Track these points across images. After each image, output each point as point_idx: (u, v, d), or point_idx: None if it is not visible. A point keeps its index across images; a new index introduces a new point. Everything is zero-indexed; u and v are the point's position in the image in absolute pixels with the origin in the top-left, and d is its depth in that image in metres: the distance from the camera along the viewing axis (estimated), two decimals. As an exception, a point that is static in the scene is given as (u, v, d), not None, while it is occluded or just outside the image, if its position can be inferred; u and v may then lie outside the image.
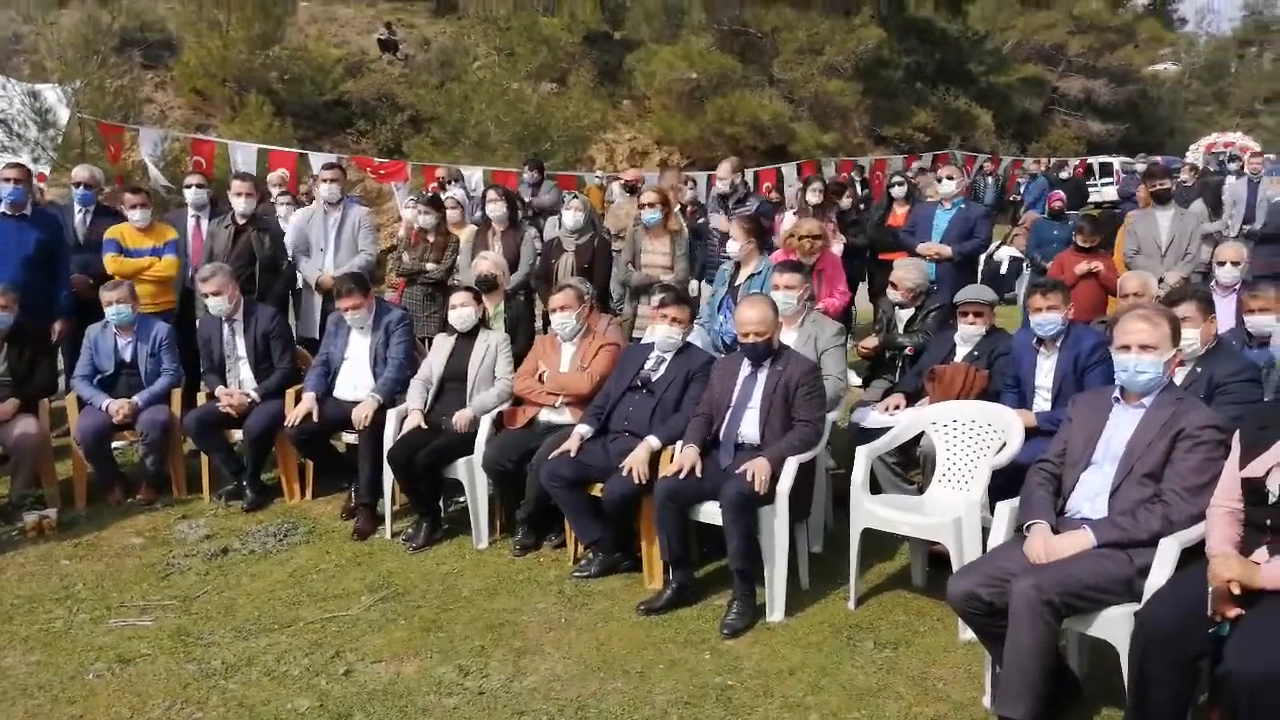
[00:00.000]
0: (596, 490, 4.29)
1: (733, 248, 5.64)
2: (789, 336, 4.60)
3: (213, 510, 5.27)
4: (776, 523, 3.90)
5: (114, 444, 5.54)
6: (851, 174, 18.02)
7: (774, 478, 3.88)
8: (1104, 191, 23.44)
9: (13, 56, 16.26)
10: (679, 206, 7.79)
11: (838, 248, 7.49)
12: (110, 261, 6.07)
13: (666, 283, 5.96)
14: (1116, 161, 25.54)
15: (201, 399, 5.54)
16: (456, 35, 20.58)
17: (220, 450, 5.37)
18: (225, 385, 5.47)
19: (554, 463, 4.34)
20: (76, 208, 6.46)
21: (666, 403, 4.41)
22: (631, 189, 8.86)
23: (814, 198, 8.05)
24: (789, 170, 17.64)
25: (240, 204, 6.30)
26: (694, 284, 7.08)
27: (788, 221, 8.47)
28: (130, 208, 6.26)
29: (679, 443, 4.18)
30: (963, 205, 7.18)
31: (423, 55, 21.12)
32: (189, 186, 6.68)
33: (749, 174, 16.70)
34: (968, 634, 3.46)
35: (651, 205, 6.36)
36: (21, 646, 3.77)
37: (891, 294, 5.55)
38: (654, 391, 4.46)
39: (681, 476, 3.97)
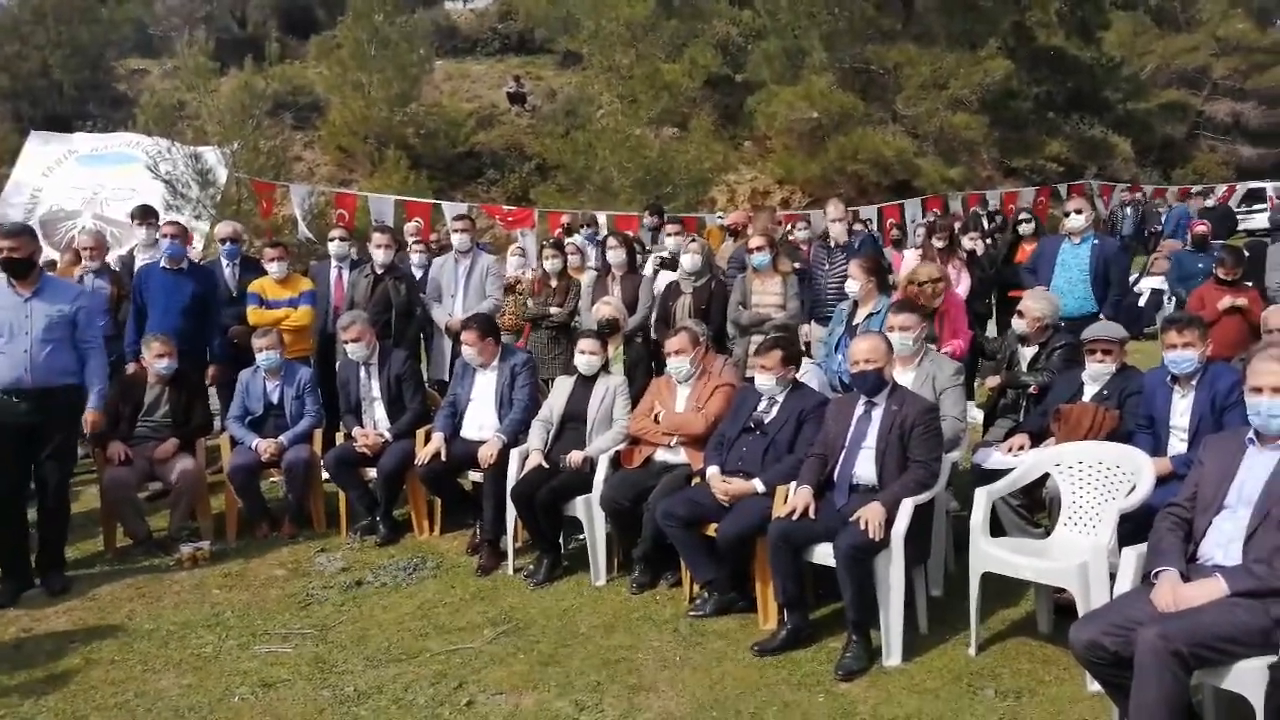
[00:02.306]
0: (711, 530, 4.34)
1: (851, 287, 5.64)
2: (906, 377, 4.56)
3: (349, 544, 5.56)
4: (892, 568, 3.85)
5: (262, 480, 5.93)
6: (976, 208, 17.58)
7: (889, 521, 3.84)
8: (1255, 219, 22.04)
9: (177, 122, 17.64)
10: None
11: (964, 287, 7.33)
12: (251, 313, 6.54)
13: (779, 321, 6.00)
14: (1269, 186, 23.98)
15: (340, 439, 5.87)
16: (581, 85, 21.23)
17: (356, 487, 5.67)
18: (361, 426, 5.79)
19: (669, 502, 4.41)
20: (224, 262, 6.98)
21: (779, 443, 4.43)
22: (734, 232, 8.94)
23: (940, 243, 7.83)
24: (912, 206, 17.35)
25: (380, 255, 6.70)
26: (804, 326, 7.08)
27: (909, 259, 8.38)
28: (269, 261, 6.73)
29: (793, 484, 4.19)
30: (1095, 241, 6.90)
31: (549, 106, 21.89)
32: (332, 240, 7.14)
33: (873, 210, 16.56)
34: (1095, 685, 3.32)
35: (760, 249, 6.43)
36: (175, 670, 4.07)
37: (1017, 324, 5.41)
38: (766, 432, 4.48)
39: (795, 518, 3.98)
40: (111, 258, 7.87)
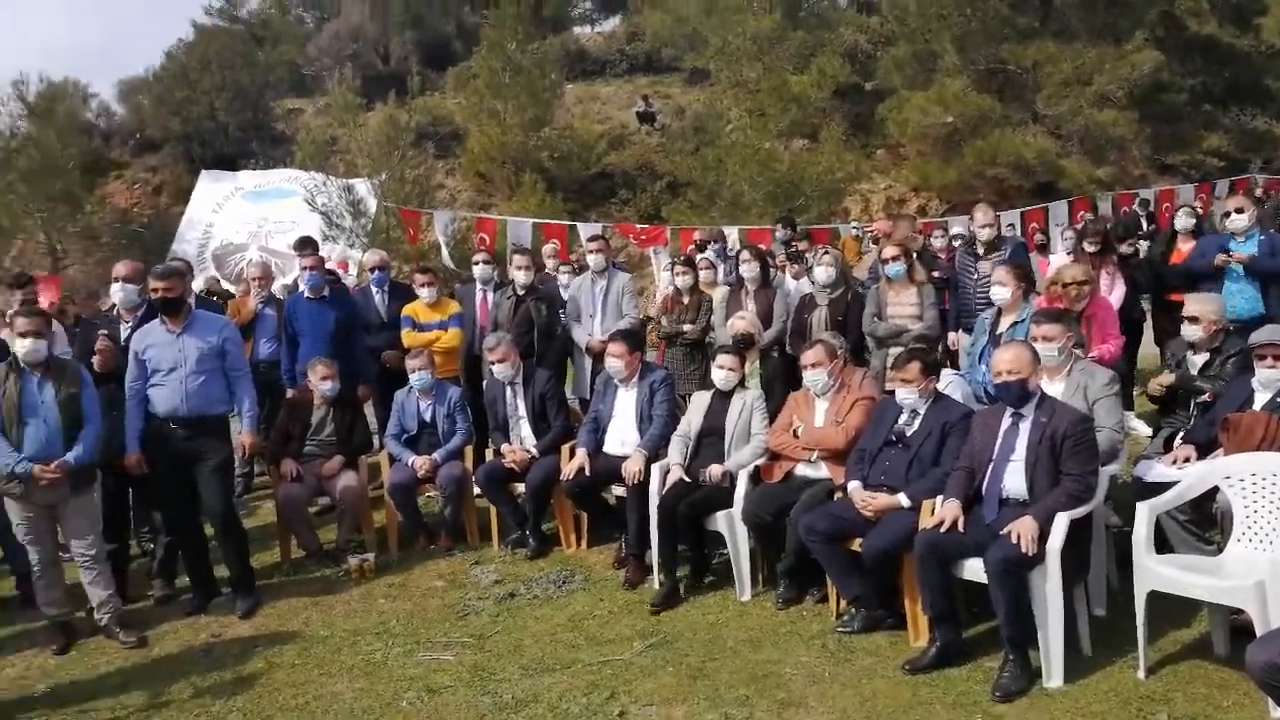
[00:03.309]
0: (855, 545, 4.31)
1: (1000, 294, 5.47)
2: (1055, 388, 4.43)
3: (501, 557, 5.78)
4: (1048, 585, 3.74)
5: (419, 496, 6.24)
6: (1134, 207, 16.71)
7: (1043, 536, 3.73)
8: None
9: (330, 156, 18.75)
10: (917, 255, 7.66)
11: (1118, 295, 7.01)
12: (405, 336, 6.90)
13: (916, 333, 5.90)
14: None
15: (489, 455, 6.12)
16: (709, 101, 21.36)
17: (506, 502, 5.90)
18: (509, 443, 6.02)
19: (811, 517, 4.41)
20: (374, 289, 7.38)
21: (923, 457, 4.37)
22: (877, 240, 8.81)
23: (1091, 247, 7.47)
24: (1057, 208, 16.65)
25: (520, 276, 6.95)
26: (951, 335, 6.92)
27: (1057, 264, 8.05)
28: (420, 286, 7.08)
29: (939, 497, 4.13)
30: (1262, 237, 6.50)
31: (678, 123, 22.08)
32: (477, 263, 7.44)
33: (1015, 214, 15.98)
34: (1278, 710, 3.15)
35: (895, 259, 6.35)
36: (348, 675, 4.34)
37: (1188, 331, 5.14)
38: (909, 446, 4.43)
39: (943, 530, 3.92)
40: (276, 287, 8.43)
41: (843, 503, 4.50)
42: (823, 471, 4.84)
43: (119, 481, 5.31)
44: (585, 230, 13.55)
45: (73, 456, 4.63)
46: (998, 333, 5.38)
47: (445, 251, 15.00)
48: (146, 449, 5.05)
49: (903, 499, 4.26)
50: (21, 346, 4.60)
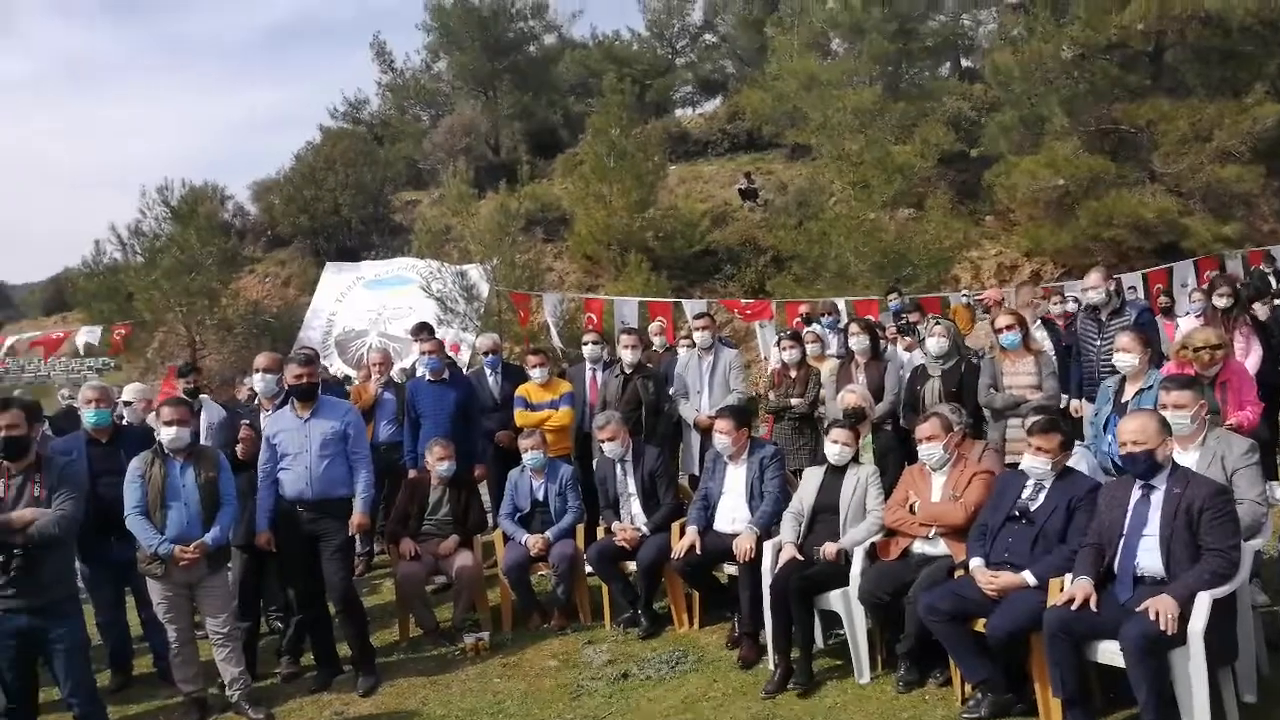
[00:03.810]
0: (980, 626, 4.15)
1: (1126, 361, 5.27)
2: (1189, 458, 4.21)
3: (613, 636, 5.77)
4: (1191, 667, 3.51)
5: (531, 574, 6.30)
6: (1260, 266, 15.90)
7: (1184, 616, 3.52)
8: None
9: (445, 244, 19.54)
10: (1038, 321, 7.46)
11: (1255, 358, 6.66)
12: (518, 416, 7.07)
13: (1035, 403, 5.72)
14: None
15: (600, 533, 6.16)
16: (811, 175, 21.45)
17: (618, 581, 5.91)
18: (620, 520, 6.05)
19: (932, 595, 4.28)
20: (487, 371, 7.60)
21: (1049, 533, 4.20)
22: (987, 309, 8.62)
23: (1221, 301, 7.16)
24: (1182, 269, 15.97)
25: (628, 355, 7.07)
26: (1074, 403, 6.68)
27: (1185, 327, 7.72)
28: (532, 367, 7.26)
29: (1067, 575, 3.95)
30: None
31: (780, 198, 22.22)
32: (586, 343, 7.61)
33: (1136, 277, 15.41)
34: None
35: (1009, 328, 6.20)
36: (466, 753, 4.38)
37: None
38: (1034, 521, 4.27)
39: (1074, 608, 3.74)
40: (394, 371, 8.77)
41: (964, 581, 4.35)
42: (941, 548, 4.70)
43: (251, 561, 5.55)
44: (691, 307, 13.68)
45: (210, 538, 4.88)
46: (1123, 401, 5.17)
47: (553, 332, 15.35)
48: (276, 529, 5.29)
49: (1028, 577, 4.09)
50: (166, 434, 4.91)
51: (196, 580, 4.95)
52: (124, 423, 6.42)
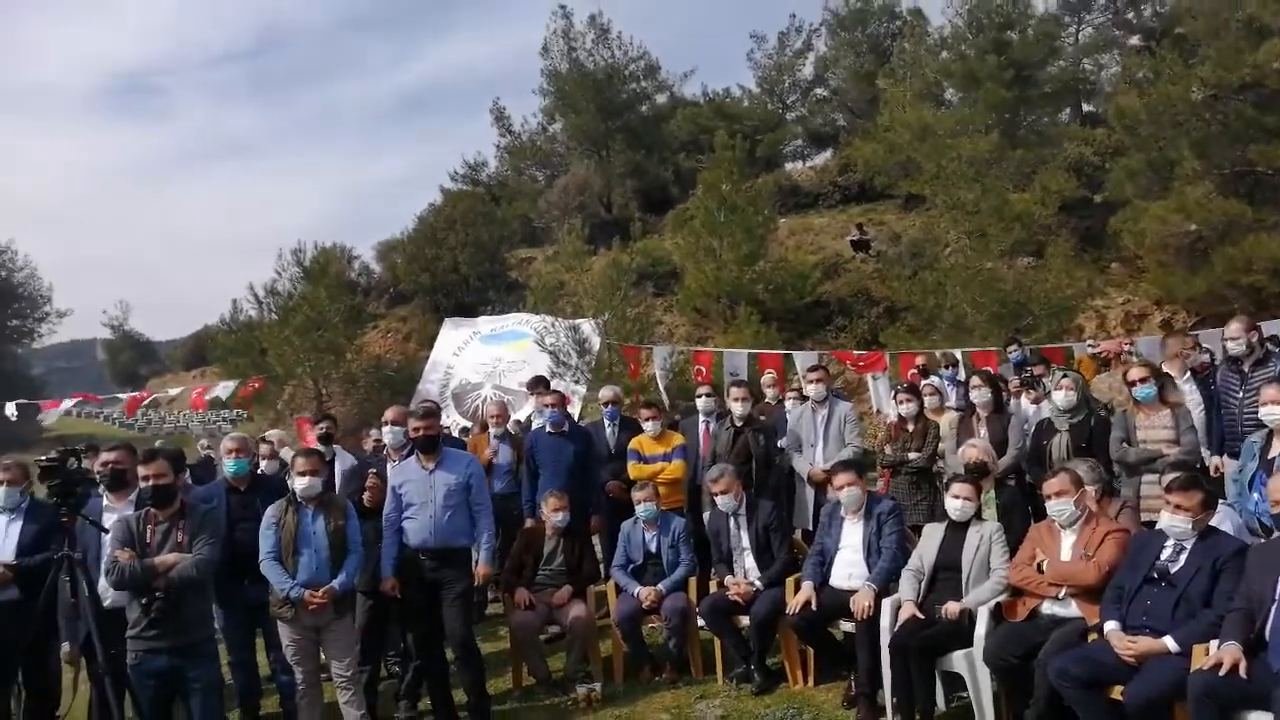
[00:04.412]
0: (1116, 693, 3.93)
1: (1271, 414, 4.97)
2: (1348, 517, 3.93)
3: (726, 691, 5.68)
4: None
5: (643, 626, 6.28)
6: None
7: (1347, 688, 3.26)
8: None
9: (558, 299, 19.97)
10: (1188, 373, 7.09)
11: None
12: (631, 468, 7.11)
13: (1173, 459, 5.43)
14: None
15: (713, 587, 6.10)
16: (925, 226, 21.10)
17: (731, 635, 5.83)
18: (733, 574, 5.99)
19: (1063, 659, 4.08)
20: (606, 423, 7.69)
21: (1191, 596, 3.96)
22: (1106, 362, 8.26)
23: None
24: (1333, 316, 14.96)
25: (738, 408, 7.04)
26: (1215, 459, 6.31)
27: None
28: (645, 420, 7.31)
29: (1213, 641, 3.71)
30: None
31: (893, 249, 21.94)
32: (700, 395, 7.61)
33: (1279, 325, 14.52)
34: None
35: (1144, 380, 5.92)
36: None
37: None
38: (1175, 584, 4.04)
39: (1222, 674, 3.50)
40: (510, 423, 8.96)
41: (1099, 645, 4.13)
42: (1073, 610, 4.49)
43: (374, 606, 5.72)
44: (802, 359, 13.57)
45: (338, 583, 5.07)
46: (1270, 457, 4.87)
47: (660, 384, 15.43)
48: (400, 576, 5.44)
49: (1170, 643, 3.86)
50: (300, 484, 5.15)
51: (324, 624, 5.13)
52: (260, 472, 6.73)
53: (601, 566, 7.08)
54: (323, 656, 5.32)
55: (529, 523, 6.88)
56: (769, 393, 9.72)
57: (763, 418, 7.48)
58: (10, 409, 18.16)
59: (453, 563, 5.43)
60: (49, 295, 40.08)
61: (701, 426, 7.39)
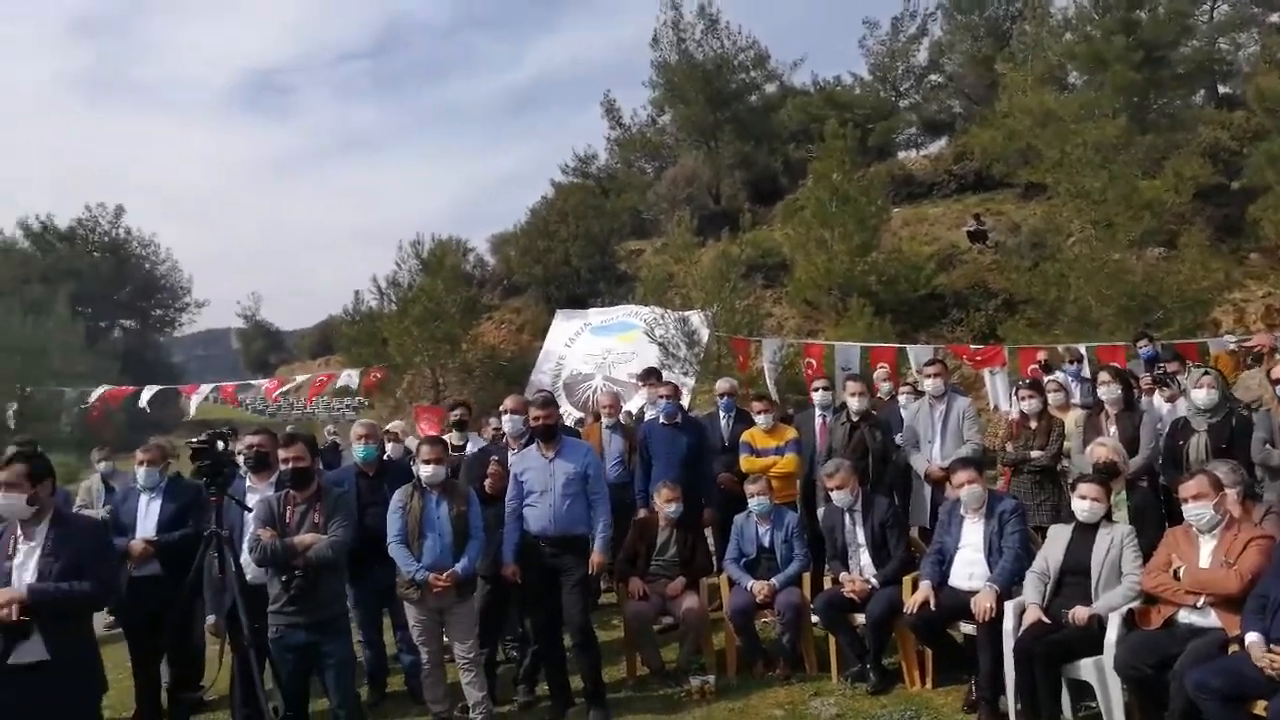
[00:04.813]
0: (1259, 708, 3.75)
1: None
2: None
3: (840, 690, 5.64)
4: None
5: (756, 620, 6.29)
6: None
7: None
8: None
9: (667, 291, 20.04)
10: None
11: None
12: (743, 461, 7.12)
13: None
14: None
15: (827, 583, 6.06)
16: (1047, 215, 20.32)
17: (845, 632, 5.79)
18: (848, 571, 5.94)
19: (1202, 672, 3.92)
20: (721, 414, 7.71)
21: (1347, 609, 3.75)
22: (1259, 357, 7.81)
23: None
24: None
25: (854, 403, 6.96)
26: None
27: None
28: (756, 413, 7.30)
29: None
30: None
31: (1012, 240, 21.22)
32: (817, 389, 7.55)
33: None
34: None
35: (1295, 377, 5.60)
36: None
37: None
38: (1328, 595, 3.82)
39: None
40: (621, 414, 9.07)
41: (1240, 657, 3.95)
42: (1212, 619, 4.29)
43: (494, 591, 5.89)
44: (916, 353, 13.29)
45: (460, 567, 5.25)
46: None
47: (768, 377, 15.32)
48: (520, 562, 5.60)
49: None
50: (425, 470, 5.35)
51: (447, 606, 5.32)
52: (387, 458, 7.01)
53: (714, 559, 7.11)
54: (445, 638, 5.51)
55: (642, 513, 6.95)
56: (883, 387, 9.56)
57: (875, 412, 7.37)
58: (145, 396, 19.31)
59: (572, 550, 5.54)
60: (188, 286, 42.69)
61: (818, 421, 7.33)
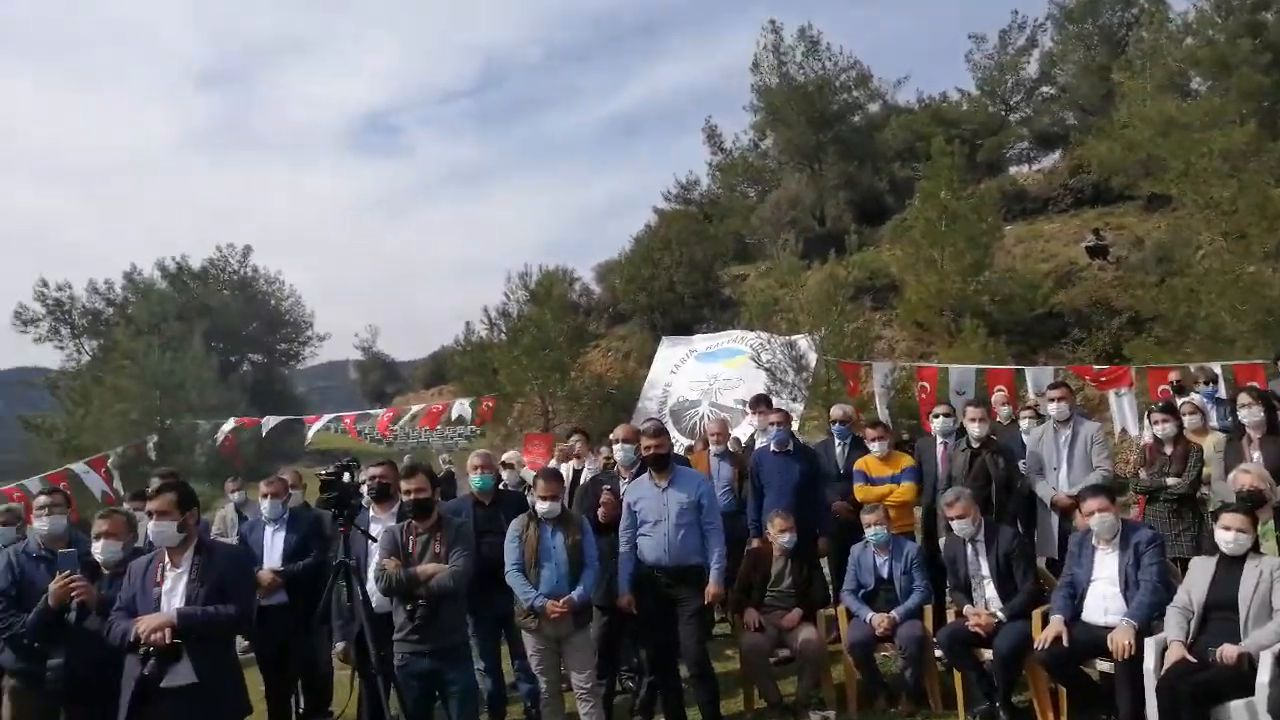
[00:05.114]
0: None
1: None
2: None
3: (969, 728, 5.44)
4: None
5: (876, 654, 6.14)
6: None
7: None
8: None
9: (773, 316, 19.89)
10: None
11: None
12: (858, 490, 6.98)
13: None
14: None
15: (950, 616, 5.88)
16: (1173, 228, 19.41)
17: (972, 668, 5.59)
18: (972, 604, 5.74)
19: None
20: (836, 441, 7.58)
21: None
22: None
23: None
24: None
25: (974, 428, 6.74)
26: None
27: None
28: (870, 440, 7.15)
29: None
30: None
31: (1136, 255, 20.32)
32: (937, 416, 7.34)
33: None
34: None
35: None
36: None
37: None
38: None
39: None
40: (730, 442, 9.01)
41: None
42: (1379, 661, 3.98)
43: (610, 621, 5.92)
44: (1034, 375, 12.80)
45: (576, 594, 5.30)
46: None
47: (879, 403, 15.00)
48: (635, 592, 5.61)
49: None
50: (541, 507, 5.42)
51: (564, 635, 5.37)
52: (503, 486, 7.14)
53: (830, 589, 6.98)
54: (563, 667, 5.56)
55: (755, 542, 6.88)
56: (1001, 411, 9.24)
57: (995, 438, 7.13)
58: (267, 426, 20.15)
59: (687, 580, 5.53)
60: (310, 321, 44.59)
61: (940, 448, 7.11)
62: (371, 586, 5.18)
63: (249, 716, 4.34)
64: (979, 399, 9.93)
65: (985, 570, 5.76)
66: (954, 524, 5.85)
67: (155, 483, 5.74)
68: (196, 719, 4.05)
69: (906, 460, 7.08)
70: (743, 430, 12.42)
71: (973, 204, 19.58)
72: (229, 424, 20.35)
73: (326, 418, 20.84)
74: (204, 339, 32.43)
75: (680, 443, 14.52)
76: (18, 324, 38.34)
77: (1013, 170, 29.83)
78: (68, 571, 4.58)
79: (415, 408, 21.51)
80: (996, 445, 6.83)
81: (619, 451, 6.23)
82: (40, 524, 5.17)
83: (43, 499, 5.37)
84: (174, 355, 27.40)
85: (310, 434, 19.74)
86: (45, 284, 38.79)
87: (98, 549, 4.78)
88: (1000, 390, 11.08)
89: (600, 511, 6.05)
